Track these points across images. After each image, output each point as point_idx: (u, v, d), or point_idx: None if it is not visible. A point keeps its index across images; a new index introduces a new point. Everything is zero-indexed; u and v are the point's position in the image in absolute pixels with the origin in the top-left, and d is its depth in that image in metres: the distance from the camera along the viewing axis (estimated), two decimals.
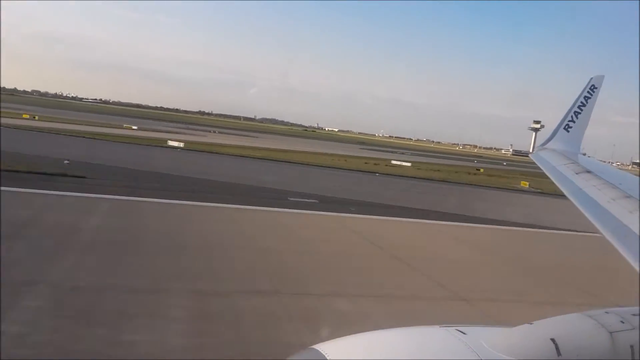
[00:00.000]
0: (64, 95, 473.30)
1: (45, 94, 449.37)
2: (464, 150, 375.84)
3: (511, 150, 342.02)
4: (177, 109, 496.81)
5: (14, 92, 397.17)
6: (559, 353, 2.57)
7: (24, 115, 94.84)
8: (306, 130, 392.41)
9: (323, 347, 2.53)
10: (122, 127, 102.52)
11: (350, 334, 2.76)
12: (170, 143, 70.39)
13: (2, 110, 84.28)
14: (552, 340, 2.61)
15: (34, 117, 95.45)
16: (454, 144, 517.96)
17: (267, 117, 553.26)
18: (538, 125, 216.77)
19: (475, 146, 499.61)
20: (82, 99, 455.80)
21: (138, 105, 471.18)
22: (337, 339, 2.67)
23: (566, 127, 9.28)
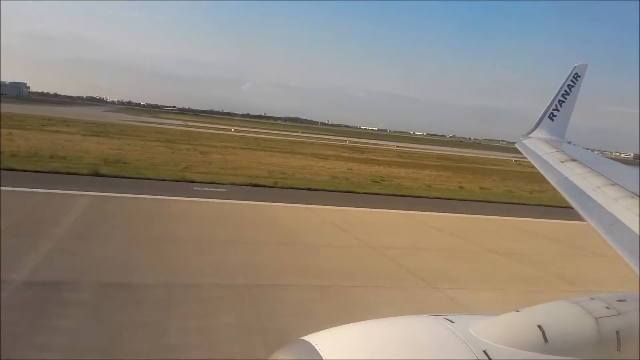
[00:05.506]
0: (59, 94, 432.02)
1: (47, 94, 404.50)
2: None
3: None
4: (189, 108, 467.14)
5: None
6: (545, 339, 2.65)
7: None
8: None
9: (313, 339, 2.59)
10: None
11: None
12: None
13: None
14: (539, 327, 2.69)
15: None
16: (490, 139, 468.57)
17: (260, 112, 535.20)
18: None
19: None
20: (161, 106, 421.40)
21: (156, 106, 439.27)
22: (327, 329, 2.72)
23: (550, 115, 9.24)
